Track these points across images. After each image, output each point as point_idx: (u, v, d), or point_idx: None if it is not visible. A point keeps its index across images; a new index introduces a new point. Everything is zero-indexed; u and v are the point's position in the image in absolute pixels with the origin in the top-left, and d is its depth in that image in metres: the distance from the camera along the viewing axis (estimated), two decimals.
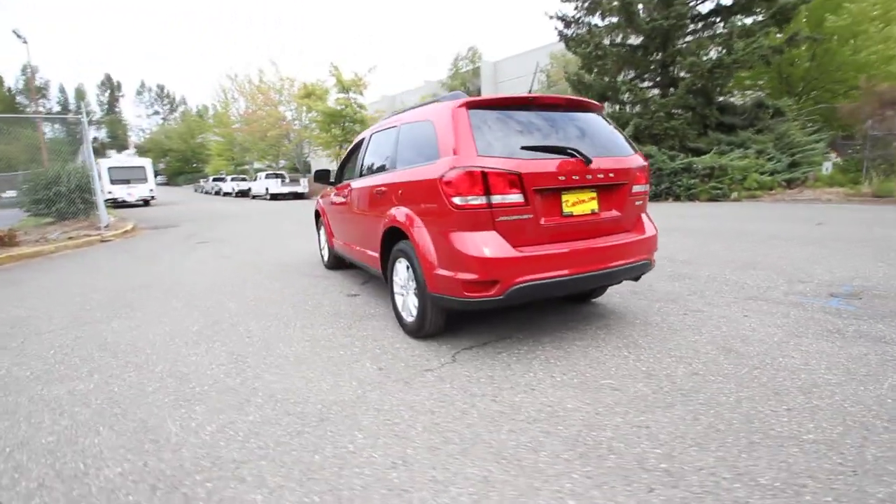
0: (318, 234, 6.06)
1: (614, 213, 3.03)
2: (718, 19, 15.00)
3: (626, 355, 2.76)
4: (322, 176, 5.09)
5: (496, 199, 2.60)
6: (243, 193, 30.78)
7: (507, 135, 2.79)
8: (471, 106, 2.83)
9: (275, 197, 25.54)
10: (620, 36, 16.15)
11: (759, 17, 14.17)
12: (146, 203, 23.21)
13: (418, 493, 1.65)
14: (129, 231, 10.81)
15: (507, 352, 2.89)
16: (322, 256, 6.03)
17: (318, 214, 5.95)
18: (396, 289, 3.40)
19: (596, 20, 17.30)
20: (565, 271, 2.72)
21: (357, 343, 3.16)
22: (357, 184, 4.21)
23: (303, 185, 26.61)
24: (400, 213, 3.19)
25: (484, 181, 2.58)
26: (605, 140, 3.10)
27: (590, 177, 2.85)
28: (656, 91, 15.63)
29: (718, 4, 15.05)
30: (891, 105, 11.06)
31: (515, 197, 2.64)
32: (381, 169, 3.83)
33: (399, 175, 3.33)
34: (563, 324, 3.35)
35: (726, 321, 3.27)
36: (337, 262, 5.56)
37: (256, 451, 1.93)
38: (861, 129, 13.47)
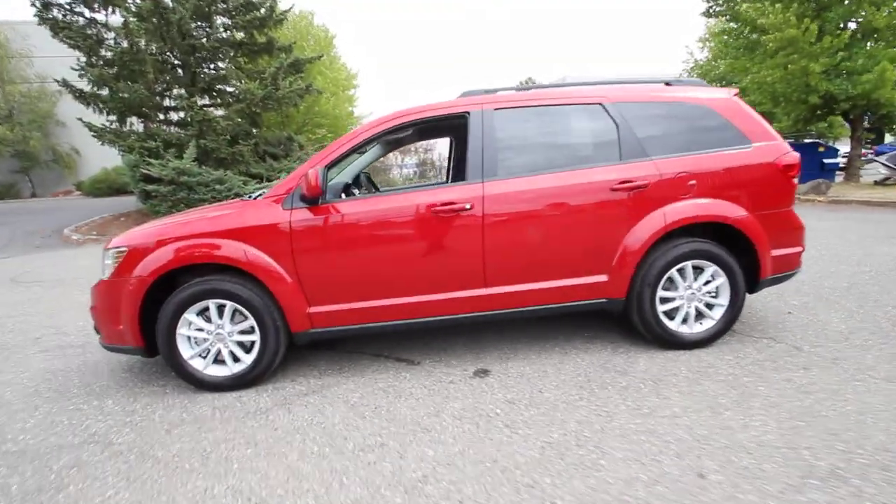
0: (177, 323, 2.65)
1: None
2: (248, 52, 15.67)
3: None
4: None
5: None
6: None
7: None
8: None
9: None
10: (144, 42, 13.67)
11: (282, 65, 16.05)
12: None
13: None
14: None
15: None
16: (198, 366, 2.72)
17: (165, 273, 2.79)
18: (662, 308, 2.89)
19: (98, 16, 13.79)
20: None
21: None
22: (525, 184, 2.83)
23: None
24: (708, 205, 2.76)
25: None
26: None
27: None
28: (220, 112, 14.64)
29: (233, 37, 15.56)
30: None
31: None
32: (571, 162, 2.93)
33: (675, 163, 2.79)
34: None
35: None
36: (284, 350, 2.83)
37: None
38: None
